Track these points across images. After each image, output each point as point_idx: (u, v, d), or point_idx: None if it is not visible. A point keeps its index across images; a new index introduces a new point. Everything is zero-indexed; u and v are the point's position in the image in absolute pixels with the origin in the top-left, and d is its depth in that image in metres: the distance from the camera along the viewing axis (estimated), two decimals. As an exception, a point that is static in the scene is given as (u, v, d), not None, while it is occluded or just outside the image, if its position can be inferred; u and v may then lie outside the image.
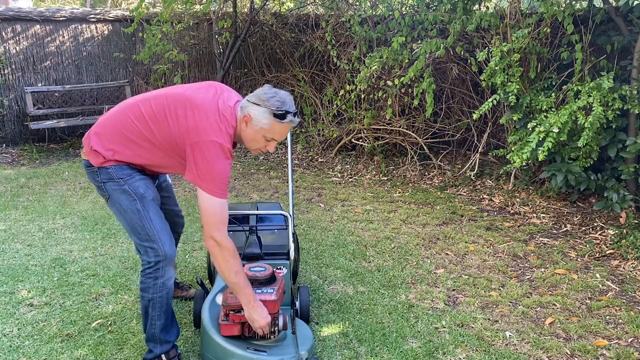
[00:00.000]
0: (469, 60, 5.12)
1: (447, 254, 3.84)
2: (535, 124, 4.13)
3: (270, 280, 2.42)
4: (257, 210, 3.18)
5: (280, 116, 2.20)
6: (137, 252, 2.40)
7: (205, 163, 2.15)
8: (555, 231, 4.26)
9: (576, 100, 4.08)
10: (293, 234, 2.91)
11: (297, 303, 2.74)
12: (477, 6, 5.10)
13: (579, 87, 4.16)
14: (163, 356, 2.45)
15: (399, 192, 5.26)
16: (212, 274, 2.84)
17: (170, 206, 2.75)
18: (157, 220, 2.33)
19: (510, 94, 4.30)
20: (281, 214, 3.10)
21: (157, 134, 2.25)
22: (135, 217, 2.30)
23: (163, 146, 2.27)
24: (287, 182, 5.53)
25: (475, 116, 4.58)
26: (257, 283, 2.38)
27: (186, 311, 2.99)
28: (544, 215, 4.55)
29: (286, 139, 2.90)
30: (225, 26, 7.10)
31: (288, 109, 2.21)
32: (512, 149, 4.44)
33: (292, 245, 2.84)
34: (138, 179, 2.33)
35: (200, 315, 2.51)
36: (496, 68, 4.34)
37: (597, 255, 3.78)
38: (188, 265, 3.60)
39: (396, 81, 5.38)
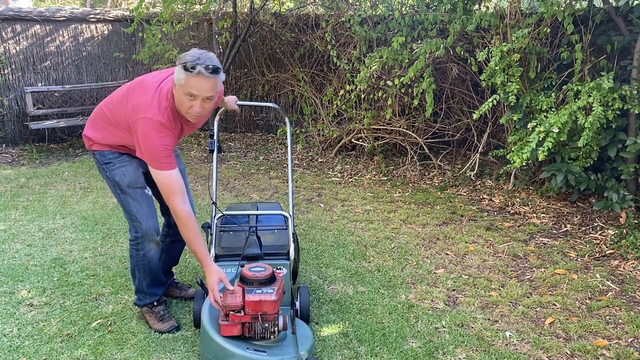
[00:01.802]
0: (469, 60, 5.12)
1: (447, 254, 3.84)
2: (535, 124, 4.13)
3: (270, 280, 2.42)
4: (257, 210, 3.19)
5: (189, 68, 2.22)
6: (129, 228, 2.75)
7: (142, 140, 2.36)
8: (555, 231, 4.26)
9: (576, 100, 4.08)
10: (293, 234, 2.91)
11: (297, 303, 2.75)
12: (477, 6, 5.10)
13: (579, 87, 4.16)
14: (155, 302, 2.81)
15: (399, 192, 5.26)
16: None
17: None
18: (134, 204, 2.64)
19: (510, 94, 4.30)
20: (281, 214, 3.10)
21: (118, 117, 2.51)
22: (117, 199, 2.71)
23: (125, 128, 2.49)
24: (287, 182, 5.53)
25: (475, 116, 4.58)
26: (257, 283, 2.38)
27: (186, 311, 2.99)
28: (544, 215, 4.55)
29: (286, 138, 2.91)
30: (225, 26, 7.09)
31: (198, 62, 2.22)
32: (512, 149, 4.44)
33: (292, 246, 2.84)
34: (118, 166, 2.63)
35: (200, 316, 2.52)
36: (496, 68, 4.34)
37: (597, 255, 3.79)
38: (188, 265, 3.59)
39: (396, 81, 5.38)
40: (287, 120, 3.34)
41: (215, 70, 2.26)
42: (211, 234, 2.91)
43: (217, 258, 2.81)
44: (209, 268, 2.44)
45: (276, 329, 2.37)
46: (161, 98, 2.36)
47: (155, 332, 2.77)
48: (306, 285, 2.95)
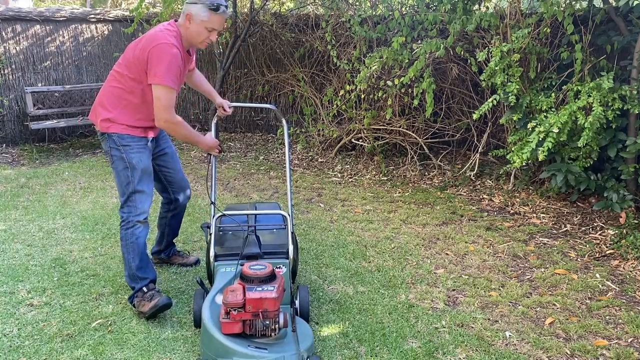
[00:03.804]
0: (469, 60, 5.12)
1: (447, 254, 3.84)
2: (535, 124, 4.13)
3: (271, 278, 2.44)
4: (256, 210, 3.20)
5: (216, 8, 2.75)
6: (119, 209, 2.94)
7: (158, 59, 2.68)
8: (555, 231, 4.26)
9: (576, 100, 4.08)
10: (292, 233, 2.92)
11: (297, 302, 2.76)
12: (477, 6, 5.10)
13: (579, 87, 4.16)
14: (144, 288, 2.90)
15: (399, 192, 5.26)
16: (211, 274, 2.86)
17: (174, 169, 3.23)
18: (139, 187, 2.87)
19: (510, 94, 4.29)
20: (280, 214, 3.11)
21: (131, 74, 2.78)
22: (125, 181, 2.87)
23: (138, 80, 2.76)
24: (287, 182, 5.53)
25: (475, 116, 4.58)
26: (257, 281, 2.40)
27: (186, 311, 2.99)
28: (544, 215, 4.55)
29: (283, 136, 2.98)
30: (225, 26, 7.09)
31: (220, 3, 2.76)
32: (512, 149, 4.44)
33: (291, 245, 2.85)
34: (135, 150, 2.86)
35: (200, 315, 2.55)
36: (496, 68, 4.34)
37: (597, 255, 3.79)
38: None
39: (396, 81, 5.38)
40: (284, 121, 3.38)
41: (227, 8, 2.83)
42: (210, 234, 2.92)
43: (217, 257, 2.82)
44: (202, 137, 3.00)
45: (277, 326, 2.38)
46: (165, 32, 2.75)
47: (150, 316, 2.82)
48: (306, 285, 2.95)
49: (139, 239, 2.90)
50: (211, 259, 2.82)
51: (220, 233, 3.00)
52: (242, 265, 2.62)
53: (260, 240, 2.90)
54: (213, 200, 3.05)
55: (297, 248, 2.95)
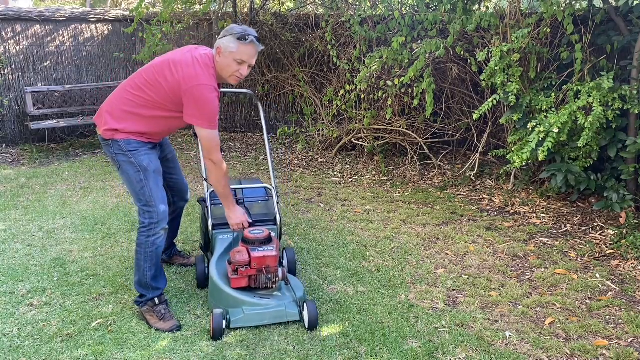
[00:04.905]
0: (469, 60, 5.12)
1: (447, 254, 3.84)
2: (535, 124, 4.13)
3: (269, 240, 2.88)
4: (241, 185, 3.53)
5: (243, 38, 2.69)
6: (138, 214, 2.87)
7: (200, 103, 2.67)
8: (555, 231, 4.26)
9: (576, 100, 4.08)
10: (277, 203, 3.27)
11: (285, 261, 3.22)
12: (477, 6, 5.10)
13: (579, 87, 4.15)
14: (156, 299, 2.88)
15: (399, 192, 5.26)
16: (208, 241, 3.23)
17: (177, 175, 3.26)
18: (155, 189, 2.82)
19: (510, 94, 4.29)
20: (265, 187, 3.48)
21: (154, 96, 2.74)
22: (138, 185, 2.80)
23: (161, 104, 2.75)
24: (287, 182, 5.54)
25: (475, 116, 4.58)
26: (258, 243, 2.84)
27: (186, 311, 2.99)
28: (544, 215, 4.55)
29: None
30: (225, 26, 7.09)
31: (249, 33, 2.71)
32: (512, 149, 4.44)
33: (278, 214, 3.20)
34: (143, 153, 2.80)
35: (203, 276, 3.14)
36: (496, 68, 4.34)
37: (597, 255, 3.79)
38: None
39: (396, 81, 5.38)
40: (259, 104, 3.73)
41: (259, 40, 2.77)
42: (207, 207, 3.24)
43: (215, 227, 3.16)
44: (234, 203, 2.99)
45: (277, 279, 2.85)
46: (205, 68, 2.71)
47: (156, 330, 2.77)
48: (291, 247, 3.40)
49: (158, 249, 2.85)
50: (210, 228, 3.16)
51: (213, 206, 3.27)
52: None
53: (249, 210, 3.21)
54: (205, 177, 3.28)
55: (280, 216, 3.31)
